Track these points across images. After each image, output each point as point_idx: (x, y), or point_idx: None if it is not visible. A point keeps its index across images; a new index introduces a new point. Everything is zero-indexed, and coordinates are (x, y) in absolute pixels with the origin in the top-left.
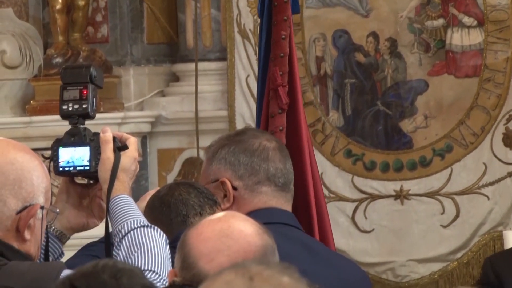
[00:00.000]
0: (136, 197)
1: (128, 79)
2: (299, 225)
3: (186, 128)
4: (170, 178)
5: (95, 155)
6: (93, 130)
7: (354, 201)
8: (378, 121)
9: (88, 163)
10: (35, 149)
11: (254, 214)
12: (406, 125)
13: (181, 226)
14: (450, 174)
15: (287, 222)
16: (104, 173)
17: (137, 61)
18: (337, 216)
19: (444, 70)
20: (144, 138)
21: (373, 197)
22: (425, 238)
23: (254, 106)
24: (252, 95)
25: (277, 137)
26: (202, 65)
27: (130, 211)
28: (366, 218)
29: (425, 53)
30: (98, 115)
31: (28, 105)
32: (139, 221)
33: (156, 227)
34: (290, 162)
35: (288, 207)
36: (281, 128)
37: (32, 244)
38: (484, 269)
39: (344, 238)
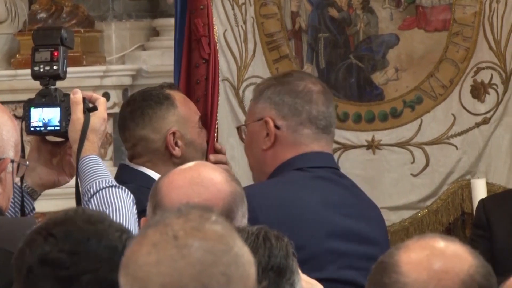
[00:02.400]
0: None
1: (110, 34)
2: (338, 166)
3: (165, 81)
4: None
5: (66, 115)
6: (78, 83)
7: None
8: (351, 74)
9: (58, 124)
10: (20, 102)
11: (300, 158)
12: (378, 78)
13: None
14: (420, 125)
15: (332, 166)
16: (74, 133)
17: (119, 16)
18: None
19: (415, 24)
20: (125, 91)
21: (346, 147)
22: (396, 187)
23: (231, 59)
24: (230, 49)
25: (202, 87)
26: None
27: (99, 171)
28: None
29: (396, 8)
30: (81, 69)
31: (13, 59)
32: (107, 181)
33: (124, 188)
34: (333, 106)
35: (328, 149)
36: (205, 77)
37: (3, 197)
38: (477, 211)
39: None
